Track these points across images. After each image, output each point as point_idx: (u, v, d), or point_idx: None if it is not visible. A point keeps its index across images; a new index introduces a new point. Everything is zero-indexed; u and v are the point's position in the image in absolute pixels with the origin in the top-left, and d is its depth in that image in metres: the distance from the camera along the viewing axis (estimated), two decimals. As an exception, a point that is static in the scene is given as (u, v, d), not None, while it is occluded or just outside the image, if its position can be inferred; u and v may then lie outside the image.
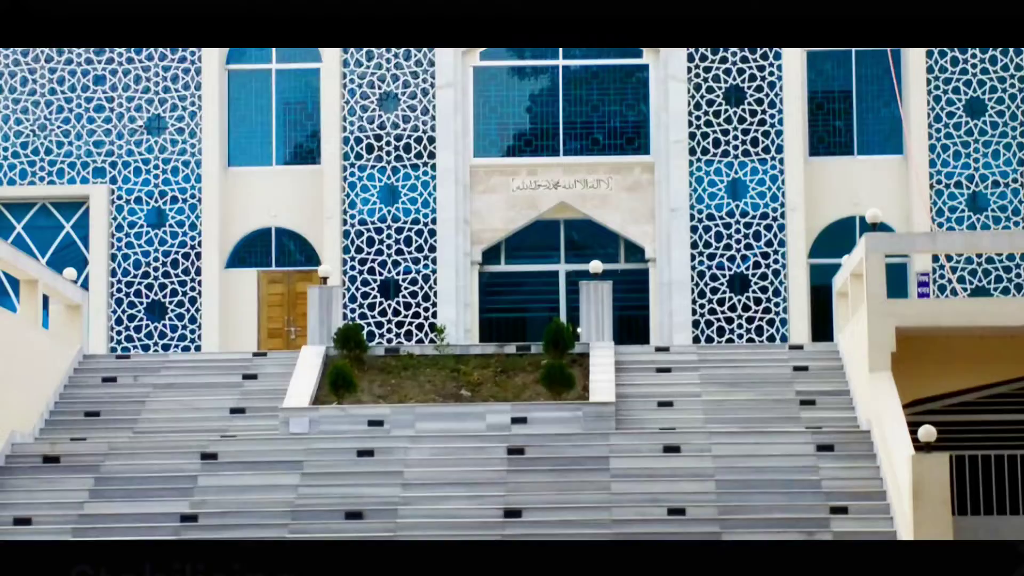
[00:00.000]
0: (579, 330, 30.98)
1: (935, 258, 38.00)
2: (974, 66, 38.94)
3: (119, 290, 39.20)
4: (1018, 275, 38.31)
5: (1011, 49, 38.85)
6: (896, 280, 35.29)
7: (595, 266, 32.52)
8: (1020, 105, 38.87)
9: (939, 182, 38.72)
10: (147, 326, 39.10)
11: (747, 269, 38.60)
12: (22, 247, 36.67)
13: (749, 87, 38.89)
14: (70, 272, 31.73)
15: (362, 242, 39.09)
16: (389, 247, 39.03)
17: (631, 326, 38.11)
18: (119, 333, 39.08)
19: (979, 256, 38.11)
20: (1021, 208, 38.55)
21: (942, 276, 38.34)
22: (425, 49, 39.14)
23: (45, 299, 30.14)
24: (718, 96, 38.91)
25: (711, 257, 38.62)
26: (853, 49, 39.10)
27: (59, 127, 39.46)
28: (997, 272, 38.42)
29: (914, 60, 38.77)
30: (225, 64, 39.73)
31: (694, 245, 38.59)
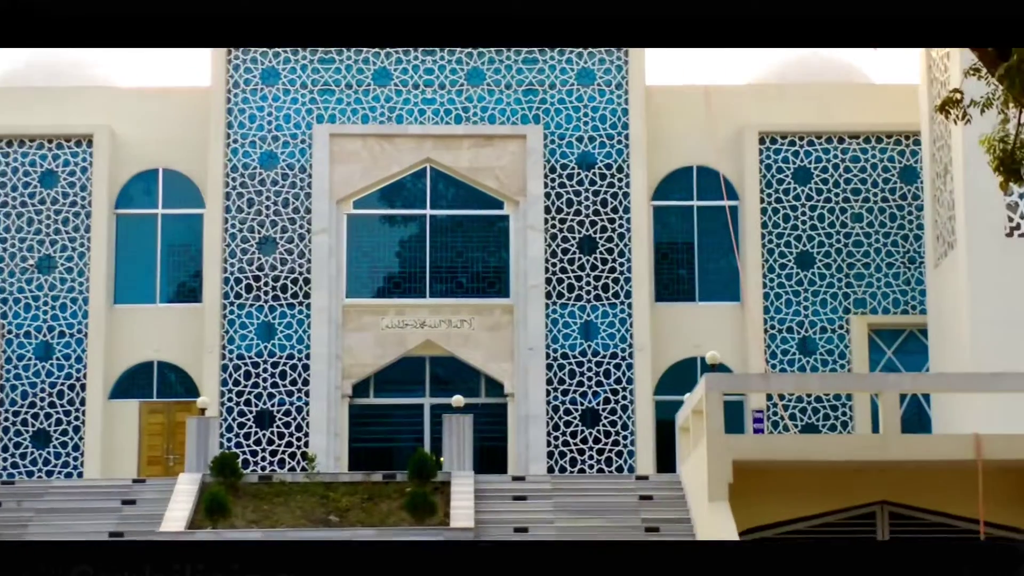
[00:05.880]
0: (442, 460, 30.81)
1: (769, 397, 38.39)
2: (804, 222, 39.71)
3: (6, 419, 38.37)
4: (844, 413, 38.80)
5: (837, 207, 39.66)
6: (733, 417, 35.60)
7: (457, 400, 32.45)
8: (846, 259, 39.64)
9: (772, 327, 39.26)
10: (32, 453, 38.25)
11: (598, 404, 38.72)
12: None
13: (601, 237, 39.29)
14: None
15: (240, 375, 38.71)
16: (265, 380, 38.68)
17: (490, 456, 37.95)
18: (5, 460, 38.18)
19: (809, 396, 38.59)
20: (847, 352, 39.15)
21: (775, 414, 38.72)
22: (303, 197, 39.14)
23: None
24: (572, 245, 39.25)
25: (565, 393, 38.70)
26: (695, 204, 39.72)
27: (-46, 264, 38.79)
28: (825, 411, 38.90)
29: (750, 215, 39.45)
30: (114, 208, 39.41)
31: (549, 381, 38.66)
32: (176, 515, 27.93)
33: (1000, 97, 16.31)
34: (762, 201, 39.66)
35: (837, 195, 39.83)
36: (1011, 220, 34.65)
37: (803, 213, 39.71)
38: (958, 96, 16.88)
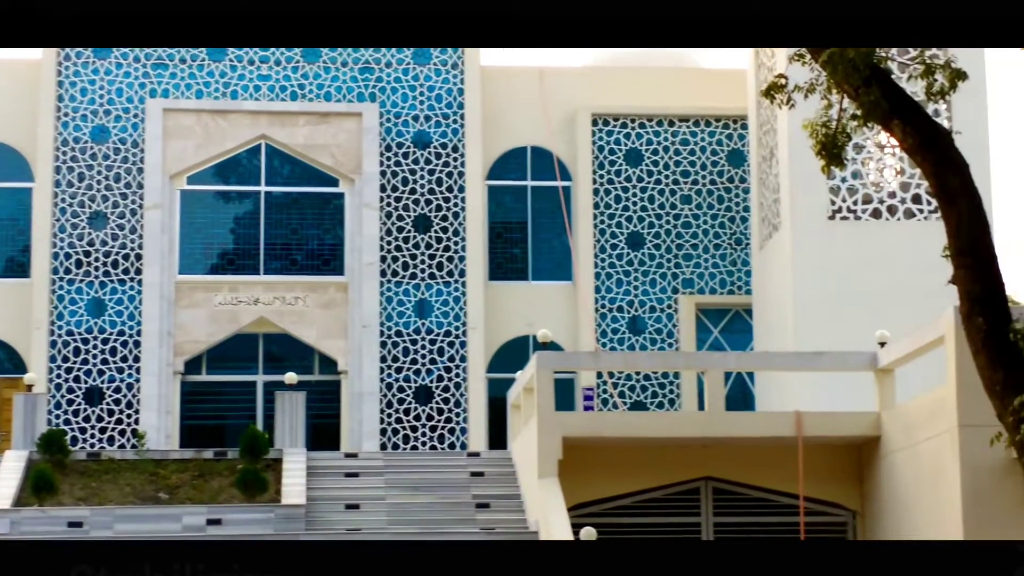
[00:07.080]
0: (275, 437, 30.51)
1: (599, 375, 38.69)
2: (635, 203, 40.05)
3: None
4: (672, 391, 39.26)
5: (667, 189, 40.07)
6: (564, 394, 35.81)
7: (290, 377, 32.17)
8: (675, 240, 40.07)
9: (603, 306, 39.56)
10: None
11: (431, 382, 38.68)
12: None
13: (435, 216, 39.22)
14: None
15: (69, 352, 37.95)
16: (95, 356, 37.97)
17: (323, 433, 37.72)
18: None
19: (638, 374, 38.97)
20: (675, 331, 39.60)
21: (605, 391, 39.05)
22: (135, 172, 38.48)
23: None
24: (407, 223, 39.12)
25: (399, 370, 38.60)
26: (529, 184, 39.85)
27: None
28: (653, 388, 39.31)
29: (582, 196, 39.67)
30: (-61, 180, 38.41)
31: (383, 359, 38.53)
32: (1, 492, 27.29)
33: (823, 83, 16.57)
34: (594, 182, 39.92)
35: (667, 177, 40.24)
36: (833, 203, 35.31)
37: (634, 195, 40.05)
38: (783, 81, 17.10)
